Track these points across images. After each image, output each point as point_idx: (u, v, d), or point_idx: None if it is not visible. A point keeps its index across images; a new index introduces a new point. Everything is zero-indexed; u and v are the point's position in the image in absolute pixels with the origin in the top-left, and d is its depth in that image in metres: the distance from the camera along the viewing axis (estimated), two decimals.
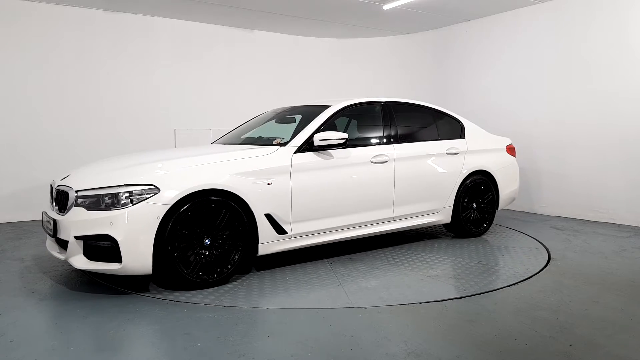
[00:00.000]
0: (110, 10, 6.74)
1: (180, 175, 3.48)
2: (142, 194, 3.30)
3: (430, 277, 3.85)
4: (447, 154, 5.00)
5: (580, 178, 6.24)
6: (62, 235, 3.45)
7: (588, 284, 3.68)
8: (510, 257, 4.44)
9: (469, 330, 2.81)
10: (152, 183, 3.35)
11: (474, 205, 5.22)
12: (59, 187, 3.65)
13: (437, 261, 4.32)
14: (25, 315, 3.06)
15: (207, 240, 3.50)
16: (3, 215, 6.16)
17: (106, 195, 3.32)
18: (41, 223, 3.93)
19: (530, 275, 3.88)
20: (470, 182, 5.12)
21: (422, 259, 4.38)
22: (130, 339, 2.73)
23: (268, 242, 3.79)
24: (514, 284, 3.64)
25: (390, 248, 4.75)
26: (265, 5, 6.58)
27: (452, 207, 5.02)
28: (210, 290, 3.48)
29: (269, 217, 3.75)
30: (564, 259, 4.36)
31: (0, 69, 6.09)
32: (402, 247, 4.79)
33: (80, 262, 3.34)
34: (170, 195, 3.33)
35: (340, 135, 4.04)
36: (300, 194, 3.92)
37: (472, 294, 3.43)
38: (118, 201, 3.29)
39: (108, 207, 3.29)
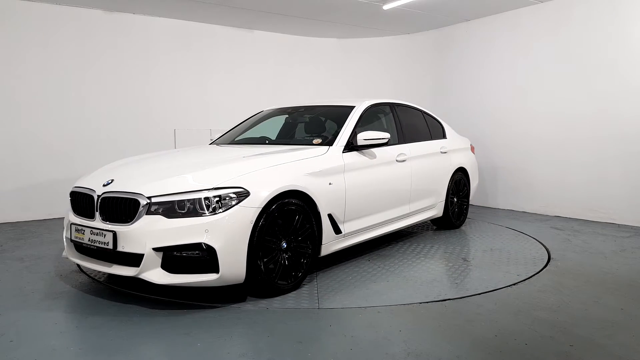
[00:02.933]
0: (110, 10, 6.75)
1: (262, 176, 3.30)
2: (233, 198, 3.08)
3: (430, 277, 3.84)
4: (440, 152, 5.37)
5: (580, 178, 6.24)
6: (128, 247, 3.05)
7: (588, 284, 3.68)
8: (510, 257, 4.44)
9: (469, 330, 2.81)
10: (241, 185, 3.14)
11: (455, 200, 5.64)
12: (108, 195, 3.23)
13: (436, 261, 4.32)
14: (25, 315, 3.06)
15: (284, 244, 3.38)
16: (3, 215, 6.16)
17: (190, 200, 3.03)
18: (67, 235, 3.52)
19: (530, 275, 3.88)
20: (455, 178, 5.55)
21: (422, 258, 4.38)
22: (130, 339, 2.73)
23: (328, 243, 3.77)
24: (514, 284, 3.64)
25: (383, 247, 4.76)
26: (265, 5, 6.58)
27: (444, 201, 5.41)
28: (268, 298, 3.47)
29: (330, 217, 3.74)
30: (564, 259, 4.36)
31: (0, 69, 6.09)
32: (397, 244, 4.79)
33: (159, 276, 3.00)
34: (260, 197, 3.16)
35: (383, 135, 4.13)
36: (351, 192, 3.97)
37: (472, 294, 3.43)
38: (208, 206, 3.03)
39: (196, 214, 3.01)
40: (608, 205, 6.00)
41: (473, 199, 6.76)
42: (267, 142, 4.64)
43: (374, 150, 4.27)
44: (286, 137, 4.83)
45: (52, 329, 2.84)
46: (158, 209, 3.05)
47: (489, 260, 4.33)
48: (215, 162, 3.57)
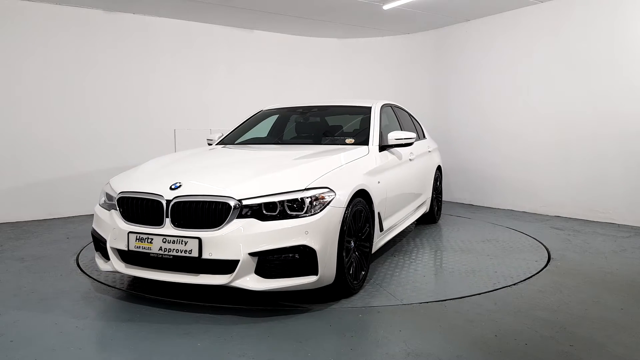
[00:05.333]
0: (110, 10, 6.75)
1: (337, 176, 3.26)
2: (325, 198, 3.03)
3: (429, 277, 3.84)
4: (428, 151, 5.63)
5: (580, 178, 6.24)
6: (218, 254, 2.86)
7: (588, 283, 3.68)
8: (510, 257, 4.43)
9: (469, 330, 2.81)
10: (327, 185, 3.09)
11: (434, 195, 5.88)
12: (184, 199, 2.99)
13: (436, 261, 4.32)
14: (25, 315, 3.06)
15: (352, 243, 3.35)
16: (3, 215, 6.16)
17: (283, 201, 2.93)
18: (115, 246, 3.14)
19: (530, 275, 3.88)
20: (435, 176, 5.82)
21: (420, 258, 4.38)
22: (130, 339, 2.73)
23: (376, 241, 3.81)
24: (514, 284, 3.64)
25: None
26: (265, 5, 6.58)
27: (430, 198, 5.66)
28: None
29: (378, 215, 3.78)
30: (564, 259, 4.36)
31: (0, 69, 6.09)
32: (395, 244, 4.80)
33: (255, 282, 2.87)
34: (343, 197, 3.13)
35: (411, 135, 4.21)
36: (389, 191, 4.04)
37: (472, 294, 3.43)
38: (302, 207, 2.95)
39: (290, 215, 2.92)
40: (608, 205, 6.00)
41: (473, 199, 7.04)
42: (279, 142, 4.66)
43: (397, 149, 4.40)
44: (305, 137, 4.76)
45: (52, 329, 2.84)
46: (248, 211, 2.91)
47: (488, 260, 4.33)
48: (280, 163, 3.48)
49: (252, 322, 2.92)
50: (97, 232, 3.40)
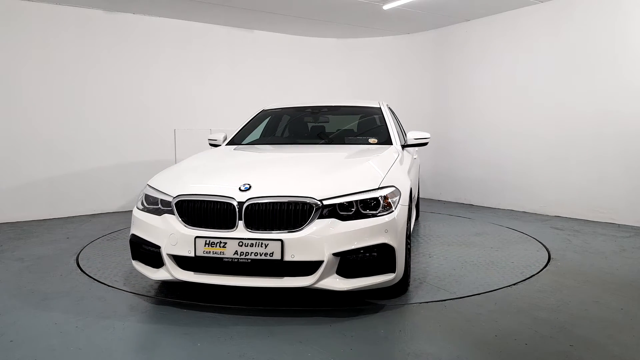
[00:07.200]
0: (110, 10, 6.75)
1: (395, 175, 3.28)
2: (394, 196, 3.06)
3: (428, 277, 3.84)
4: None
5: (581, 178, 6.24)
6: (300, 256, 2.82)
7: (588, 284, 3.68)
8: (510, 257, 4.43)
9: (469, 330, 2.81)
10: (393, 184, 3.12)
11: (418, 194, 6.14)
12: (260, 200, 2.90)
13: (434, 260, 4.31)
14: (25, 315, 3.06)
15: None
16: (2, 215, 6.16)
17: (361, 201, 2.94)
18: (177, 253, 2.97)
19: (530, 275, 3.88)
20: None
21: (419, 258, 4.38)
22: (130, 339, 2.73)
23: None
24: (514, 284, 3.64)
25: None
26: (265, 5, 6.58)
27: (416, 194, 5.65)
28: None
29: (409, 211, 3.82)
30: (564, 259, 4.36)
31: (0, 69, 6.09)
32: None
33: (338, 282, 2.86)
34: (406, 196, 3.21)
35: (427, 134, 4.34)
36: (414, 187, 4.14)
37: (472, 294, 3.43)
38: (375, 206, 2.96)
39: (365, 215, 2.92)
40: (608, 205, 6.00)
41: (473, 199, 7.08)
42: (299, 142, 4.65)
43: (408, 148, 4.47)
44: (325, 137, 4.73)
45: (52, 329, 2.84)
46: (326, 212, 2.89)
47: (489, 260, 4.33)
48: (337, 163, 3.50)
49: (252, 322, 2.92)
50: (141, 239, 3.16)
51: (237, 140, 4.64)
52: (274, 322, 2.92)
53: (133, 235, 3.26)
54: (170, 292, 3.44)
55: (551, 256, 4.45)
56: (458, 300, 3.32)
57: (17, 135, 6.21)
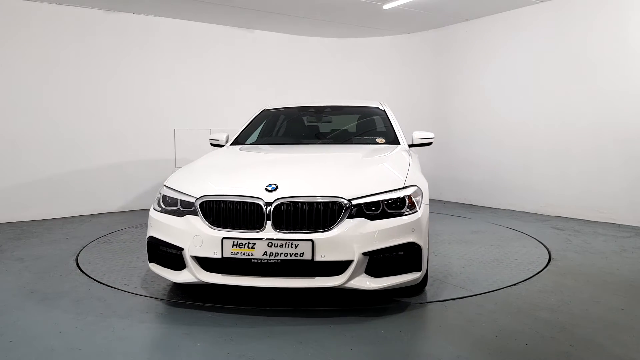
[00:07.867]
0: (110, 10, 6.74)
1: (416, 174, 3.31)
2: (417, 195, 3.09)
3: (429, 277, 3.84)
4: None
5: (581, 178, 6.23)
6: (330, 256, 2.82)
7: (588, 284, 3.67)
8: (511, 257, 4.43)
9: (469, 330, 2.80)
10: (415, 184, 3.16)
11: None
12: (289, 200, 2.88)
13: (434, 260, 4.31)
14: (25, 315, 3.06)
15: None
16: (2, 215, 6.16)
17: (386, 200, 2.95)
18: (201, 254, 2.92)
19: (530, 275, 3.88)
20: None
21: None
22: (129, 339, 2.73)
23: None
24: (514, 284, 3.64)
25: None
26: (265, 5, 6.58)
27: None
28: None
29: None
30: (564, 259, 4.36)
31: (0, 69, 6.09)
32: None
33: (367, 282, 2.88)
34: (426, 195, 3.23)
35: (431, 134, 4.39)
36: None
37: (472, 294, 3.42)
38: (400, 206, 2.98)
39: (391, 214, 2.93)
40: (608, 205, 5.99)
41: (473, 199, 7.02)
42: (305, 142, 4.60)
43: (412, 148, 4.45)
44: (331, 136, 4.72)
45: (52, 329, 2.84)
46: (355, 211, 2.90)
47: (489, 260, 4.33)
48: (356, 163, 3.53)
49: (252, 322, 2.92)
50: (161, 240, 3.11)
51: (241, 140, 4.57)
52: (274, 323, 2.92)
53: (151, 237, 3.19)
54: (170, 293, 3.43)
55: (551, 256, 4.45)
56: (458, 300, 3.31)
57: (17, 135, 6.21)
